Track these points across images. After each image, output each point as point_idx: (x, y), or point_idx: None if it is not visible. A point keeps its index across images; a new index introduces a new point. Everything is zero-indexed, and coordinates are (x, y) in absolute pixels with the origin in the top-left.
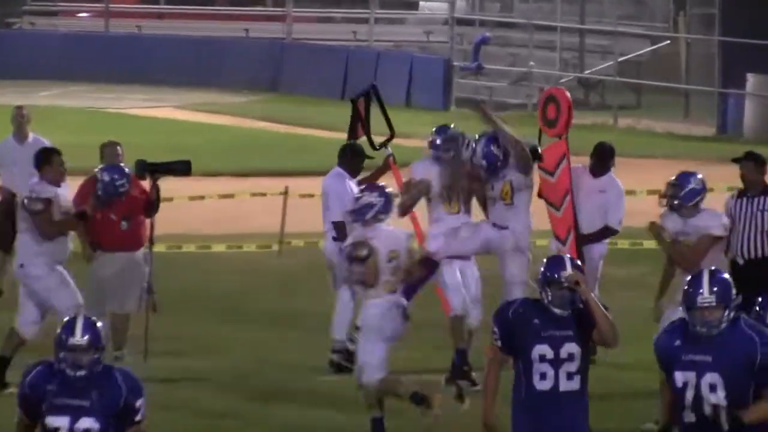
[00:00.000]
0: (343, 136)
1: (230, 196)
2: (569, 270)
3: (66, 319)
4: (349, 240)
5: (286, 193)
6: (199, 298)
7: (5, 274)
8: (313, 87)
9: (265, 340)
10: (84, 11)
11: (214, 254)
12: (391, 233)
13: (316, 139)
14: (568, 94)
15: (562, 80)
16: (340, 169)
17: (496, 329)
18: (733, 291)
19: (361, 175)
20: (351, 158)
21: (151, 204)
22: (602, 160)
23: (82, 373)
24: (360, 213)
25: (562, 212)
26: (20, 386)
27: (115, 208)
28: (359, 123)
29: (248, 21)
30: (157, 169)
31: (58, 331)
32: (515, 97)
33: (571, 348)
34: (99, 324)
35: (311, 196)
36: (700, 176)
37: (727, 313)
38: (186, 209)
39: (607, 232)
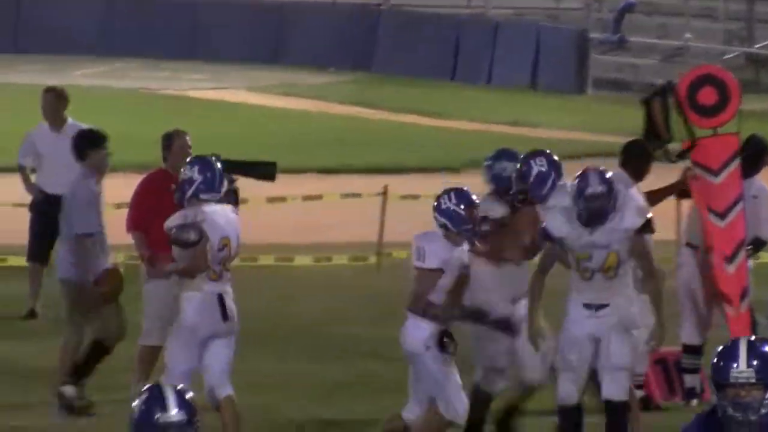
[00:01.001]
0: (452, 124)
1: (317, 197)
2: (743, 365)
3: (147, 387)
4: (176, 221)
5: (384, 193)
6: (275, 323)
7: (39, 295)
8: (415, 65)
9: (353, 378)
10: None
11: (297, 269)
12: (224, 217)
13: (420, 129)
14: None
15: (726, 56)
16: (623, 172)
17: None
18: None
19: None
20: (638, 159)
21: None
22: (755, 157)
23: None
24: (179, 190)
25: (728, 223)
26: None
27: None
28: (657, 128)
29: None
30: (235, 170)
31: (138, 403)
32: (666, 77)
33: None
34: (190, 394)
35: (415, 197)
36: (545, 156)
37: None
38: (263, 214)
39: (758, 245)
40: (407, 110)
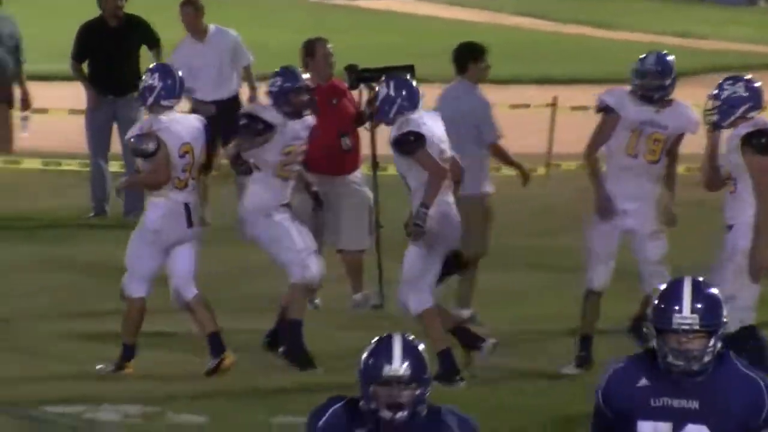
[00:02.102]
0: (621, 35)
1: None
2: (687, 310)
3: (375, 340)
4: (134, 131)
5: (554, 105)
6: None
7: (208, 203)
8: None
9: (520, 286)
10: None
11: None
12: (185, 124)
13: (589, 40)
14: None
15: None
16: None
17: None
18: (724, 312)
19: None
20: None
21: (363, 117)
22: None
23: (402, 415)
24: (141, 97)
25: None
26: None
27: (329, 123)
28: None
29: None
30: (372, 77)
31: (365, 355)
32: None
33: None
34: (421, 347)
35: (585, 108)
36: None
37: (713, 342)
38: None
39: None
40: (577, 21)
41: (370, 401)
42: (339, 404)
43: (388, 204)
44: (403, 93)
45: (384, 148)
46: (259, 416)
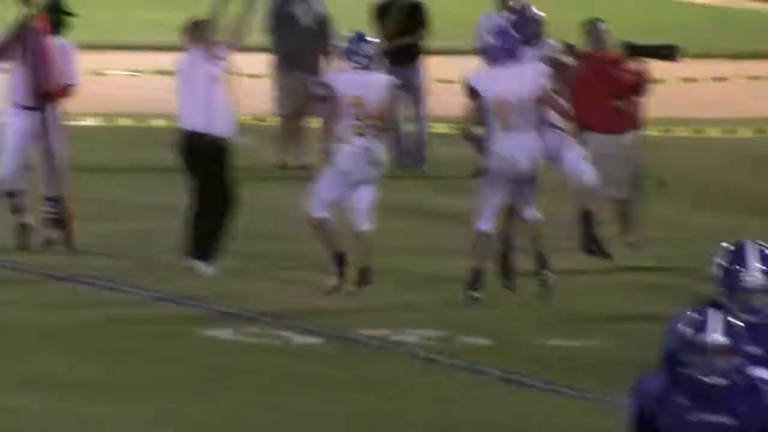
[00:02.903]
0: None
1: (723, 79)
2: (757, 272)
3: (691, 309)
4: (315, 78)
5: None
6: (688, 183)
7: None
8: None
9: (725, 225)
10: None
11: (707, 140)
12: (361, 79)
13: None
14: None
15: None
16: None
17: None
18: None
19: None
20: None
21: (642, 86)
22: None
23: (722, 382)
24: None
25: None
26: (634, 395)
27: (608, 87)
28: None
29: None
30: (641, 52)
31: (682, 323)
32: None
33: None
34: (737, 323)
35: None
36: None
37: None
38: (678, 92)
39: None
40: None
41: (689, 369)
42: (662, 373)
43: (650, 160)
44: (500, 42)
45: (651, 111)
46: (537, 339)
